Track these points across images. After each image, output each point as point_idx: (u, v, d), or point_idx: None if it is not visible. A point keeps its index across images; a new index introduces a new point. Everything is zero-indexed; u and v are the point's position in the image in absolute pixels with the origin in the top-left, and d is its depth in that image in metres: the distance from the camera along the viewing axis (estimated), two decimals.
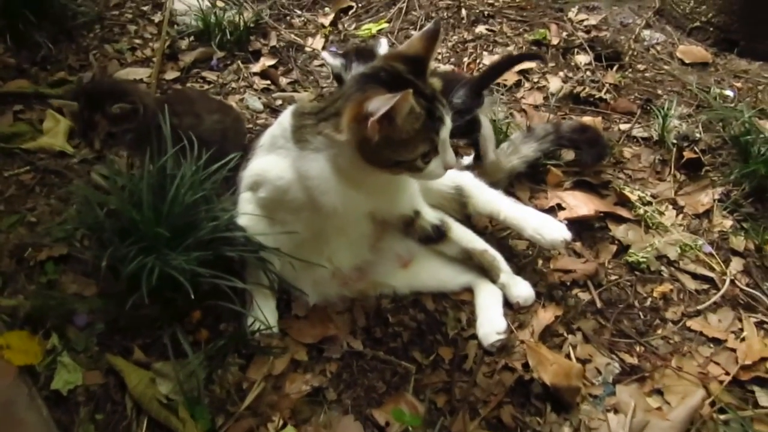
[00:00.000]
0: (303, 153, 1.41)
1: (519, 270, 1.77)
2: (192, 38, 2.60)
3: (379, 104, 1.23)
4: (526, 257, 1.81)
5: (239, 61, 2.53)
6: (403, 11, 2.88)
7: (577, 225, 1.86)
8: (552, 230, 1.66)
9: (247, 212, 1.53)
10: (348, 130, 1.31)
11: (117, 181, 1.55)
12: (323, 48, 2.64)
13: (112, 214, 1.51)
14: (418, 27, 2.77)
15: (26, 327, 1.50)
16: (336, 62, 2.02)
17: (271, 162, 1.48)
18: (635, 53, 2.71)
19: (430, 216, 1.63)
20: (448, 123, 1.36)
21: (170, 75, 2.42)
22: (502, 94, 2.37)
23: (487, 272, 1.69)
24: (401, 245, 1.69)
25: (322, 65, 2.59)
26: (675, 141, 2.21)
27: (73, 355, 1.47)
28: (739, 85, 2.57)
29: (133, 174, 1.59)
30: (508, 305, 1.68)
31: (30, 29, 2.35)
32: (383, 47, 2.03)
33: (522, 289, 1.68)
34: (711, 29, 2.81)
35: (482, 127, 1.91)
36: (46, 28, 2.40)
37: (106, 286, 1.57)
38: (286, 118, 1.48)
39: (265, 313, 1.54)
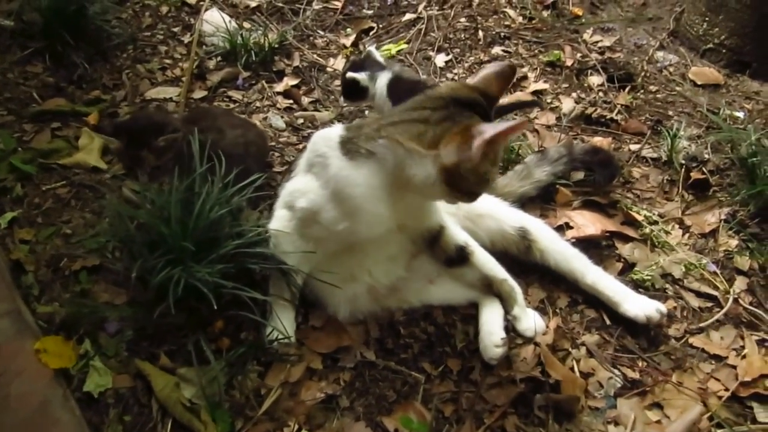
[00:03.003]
0: (350, 162, 1.43)
1: (527, 284, 1.83)
2: (219, 58, 2.70)
3: (490, 128, 1.29)
4: (535, 273, 1.86)
5: (264, 81, 2.63)
6: (422, 32, 2.96)
7: (584, 243, 1.91)
8: (646, 303, 1.74)
9: (279, 229, 1.58)
10: (447, 149, 1.32)
11: (147, 196, 1.63)
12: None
13: (141, 227, 1.59)
14: (435, 48, 2.85)
15: (61, 332, 1.58)
16: (362, 75, 2.20)
17: (307, 182, 1.53)
18: (648, 74, 2.75)
19: (456, 236, 1.66)
20: None
21: (198, 94, 2.52)
22: (516, 115, 2.43)
23: (503, 301, 1.70)
24: (431, 266, 1.73)
25: None
26: (683, 162, 2.25)
27: (104, 360, 1.55)
28: (749, 106, 2.60)
29: (162, 189, 1.65)
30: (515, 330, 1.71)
31: (67, 50, 2.47)
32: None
33: (531, 323, 1.68)
34: (724, 51, 2.84)
35: None
36: (82, 49, 2.51)
37: (135, 295, 1.65)
38: (325, 137, 1.52)
39: (283, 323, 1.59)
